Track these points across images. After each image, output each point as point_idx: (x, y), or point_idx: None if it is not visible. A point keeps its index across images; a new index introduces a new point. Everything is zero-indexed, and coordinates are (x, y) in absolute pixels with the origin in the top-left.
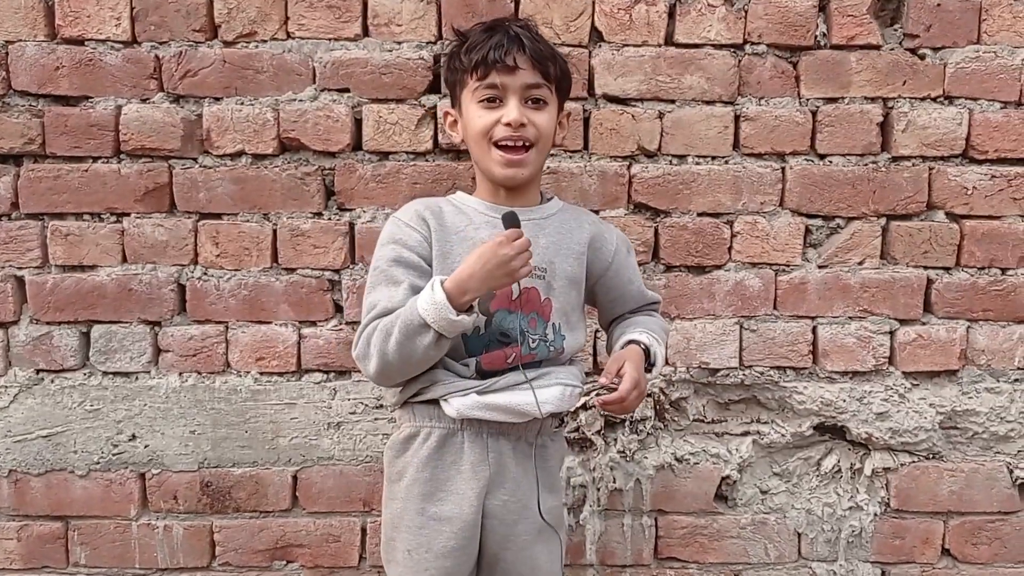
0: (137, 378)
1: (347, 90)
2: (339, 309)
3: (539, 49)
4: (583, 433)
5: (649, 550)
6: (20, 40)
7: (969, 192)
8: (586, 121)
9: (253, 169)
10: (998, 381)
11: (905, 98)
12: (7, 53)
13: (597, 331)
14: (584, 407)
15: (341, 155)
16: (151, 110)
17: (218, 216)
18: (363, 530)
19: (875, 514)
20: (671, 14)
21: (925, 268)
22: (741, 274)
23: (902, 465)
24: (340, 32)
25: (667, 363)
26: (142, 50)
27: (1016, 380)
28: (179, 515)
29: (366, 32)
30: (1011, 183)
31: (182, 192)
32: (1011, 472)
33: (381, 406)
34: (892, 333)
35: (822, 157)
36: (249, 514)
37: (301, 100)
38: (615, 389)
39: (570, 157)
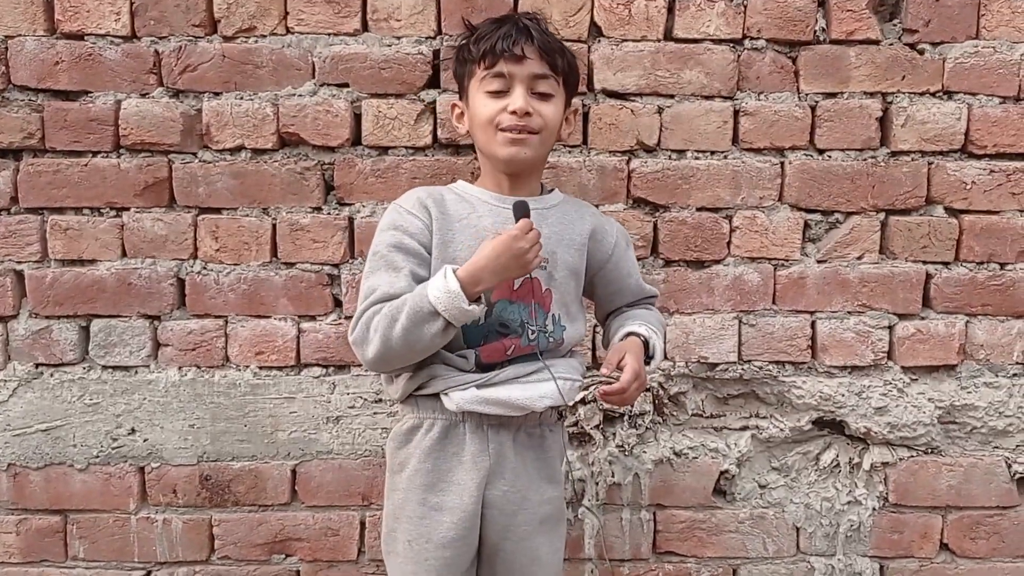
0: (136, 372)
1: (346, 85)
2: (338, 303)
3: (547, 41)
4: (582, 427)
5: (648, 544)
6: (20, 35)
7: (968, 187)
8: (585, 116)
9: (252, 164)
10: (997, 376)
11: (904, 93)
12: (7, 48)
13: (596, 326)
14: (583, 401)
15: (340, 150)
16: (151, 105)
17: (217, 211)
18: (362, 524)
19: (873, 508)
20: (670, 9)
21: (924, 263)
22: (740, 269)
23: (900, 460)
24: (339, 27)
25: (666, 357)
26: (142, 45)
27: (1015, 375)
28: (178, 509)
29: (365, 27)
30: (1010, 178)
31: (182, 187)
32: (1009, 467)
33: (380, 400)
34: (891, 328)
35: (821, 152)
36: (248, 508)
37: (300, 95)
38: (616, 380)
39: (569, 152)
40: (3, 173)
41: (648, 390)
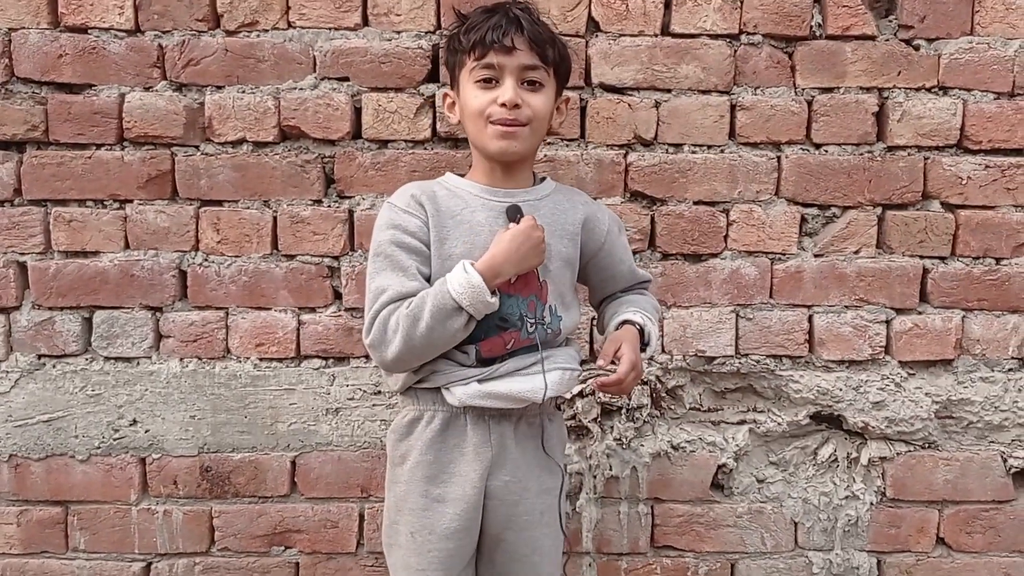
0: (138, 363)
1: (347, 79)
2: (338, 295)
3: (538, 32)
4: (580, 421)
5: (645, 538)
6: (23, 28)
7: (964, 182)
8: (583, 110)
9: (254, 156)
10: (992, 371)
11: (900, 88)
12: (10, 41)
13: (594, 318)
14: (581, 394)
15: (341, 143)
16: (154, 98)
17: (219, 203)
18: (361, 516)
19: (871, 503)
20: (667, 4)
21: (921, 257)
22: (737, 262)
23: (898, 454)
24: (340, 21)
25: (663, 350)
26: (145, 39)
27: (1010, 370)
28: (179, 500)
29: (366, 21)
30: (1004, 173)
31: (184, 179)
32: (1005, 461)
33: (379, 392)
34: (888, 322)
35: (818, 146)
36: (248, 499)
37: (301, 88)
38: (613, 371)
39: (567, 145)
40: (7, 165)
41: (646, 383)
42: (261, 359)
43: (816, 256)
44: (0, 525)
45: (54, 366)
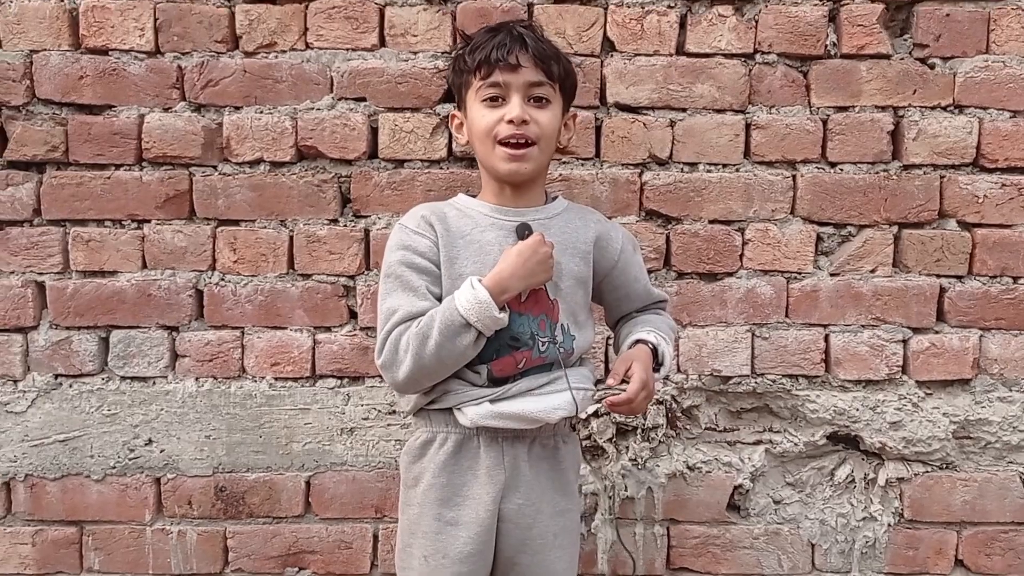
0: (154, 383)
1: (364, 99)
2: (354, 315)
3: (542, 48)
4: (595, 440)
5: (661, 560)
6: (45, 49)
7: (980, 201)
8: (598, 129)
9: (271, 176)
10: (1011, 390)
11: (916, 107)
12: (32, 62)
13: (609, 337)
14: (596, 414)
15: (357, 163)
16: (173, 119)
17: (236, 222)
18: (375, 537)
19: (889, 524)
20: (682, 24)
21: (938, 276)
22: (753, 281)
23: (915, 475)
24: (357, 42)
25: (678, 369)
26: (165, 60)
27: None
28: (193, 520)
29: (383, 42)
30: (1021, 191)
31: (201, 199)
32: None
33: (394, 412)
34: (905, 341)
35: (833, 165)
36: (262, 520)
37: (319, 109)
38: (623, 391)
39: (582, 164)
40: (27, 185)
41: (661, 403)
42: (276, 378)
43: (832, 275)
44: (15, 545)
45: (71, 385)
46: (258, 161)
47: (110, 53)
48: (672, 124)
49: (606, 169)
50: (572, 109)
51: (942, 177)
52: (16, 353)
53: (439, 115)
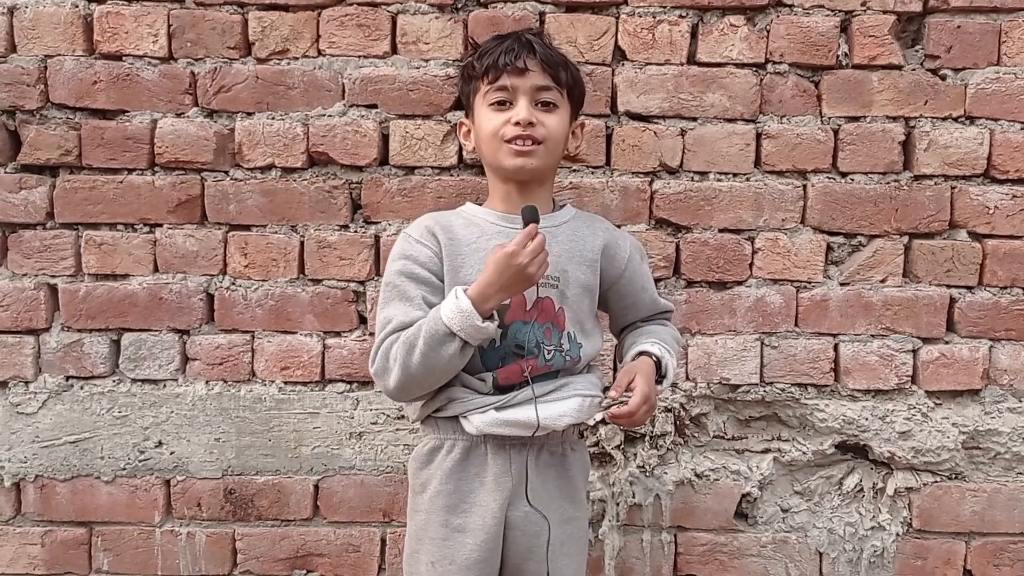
0: (165, 385)
1: (375, 106)
2: (363, 320)
3: (550, 54)
4: (603, 447)
5: (668, 567)
6: (59, 54)
7: (991, 211)
8: (608, 138)
9: (282, 182)
10: (1020, 401)
11: (927, 117)
12: (46, 67)
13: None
14: (603, 421)
15: (368, 169)
16: (185, 124)
17: (247, 228)
18: (383, 541)
19: (897, 534)
20: (693, 34)
21: (948, 287)
22: (762, 290)
23: (924, 485)
24: (369, 50)
25: (687, 377)
26: (178, 66)
27: None
28: (202, 522)
29: (394, 50)
30: None
31: (213, 204)
32: None
33: (402, 417)
34: (915, 351)
35: (844, 175)
36: (271, 522)
37: (330, 115)
38: (625, 402)
39: (592, 173)
40: (40, 189)
41: (669, 411)
42: (286, 383)
43: (842, 285)
44: (25, 545)
45: (82, 387)
46: (269, 167)
47: (124, 59)
48: (683, 133)
49: (616, 177)
50: (580, 117)
51: (953, 188)
52: (28, 355)
53: (450, 122)
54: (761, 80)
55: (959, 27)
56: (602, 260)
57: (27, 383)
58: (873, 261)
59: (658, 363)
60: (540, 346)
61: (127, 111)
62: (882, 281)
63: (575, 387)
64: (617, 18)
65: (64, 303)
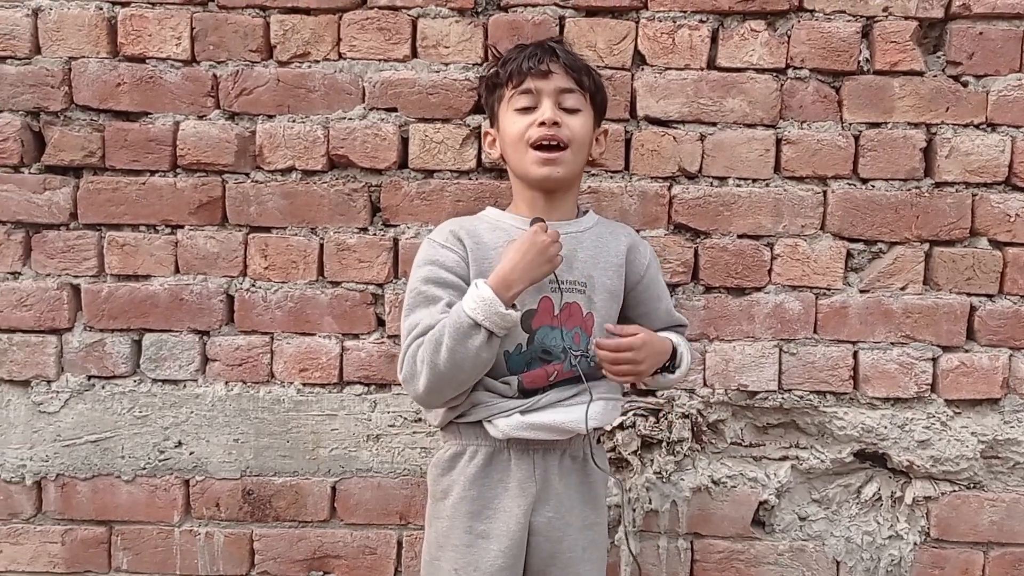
0: (185, 386)
1: (395, 109)
2: (381, 322)
3: (573, 59)
4: (619, 453)
5: (685, 574)
6: (83, 57)
7: (1012, 219)
8: (627, 142)
9: (302, 184)
10: None
11: (948, 124)
12: (70, 69)
13: None
14: (621, 426)
15: (387, 172)
16: (207, 126)
17: (267, 229)
18: (399, 543)
19: (915, 543)
20: (713, 38)
21: (968, 295)
22: (781, 297)
23: (943, 494)
24: (390, 53)
25: (704, 383)
26: (200, 69)
27: None
28: (220, 522)
29: (415, 54)
30: None
31: (234, 206)
32: None
33: (420, 420)
34: (935, 360)
35: (864, 181)
36: (288, 523)
37: (350, 118)
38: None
39: (611, 177)
40: (64, 190)
41: (687, 417)
42: (304, 384)
43: (862, 292)
44: (45, 544)
45: (103, 387)
46: (290, 169)
47: (147, 61)
48: (702, 138)
49: (635, 182)
50: (603, 124)
51: (974, 195)
52: (51, 354)
53: (469, 126)
54: (781, 85)
55: (981, 33)
56: (626, 264)
57: (49, 382)
58: (893, 268)
59: (673, 352)
60: (567, 351)
61: (150, 113)
62: (902, 288)
63: (599, 391)
64: (637, 23)
65: (86, 303)
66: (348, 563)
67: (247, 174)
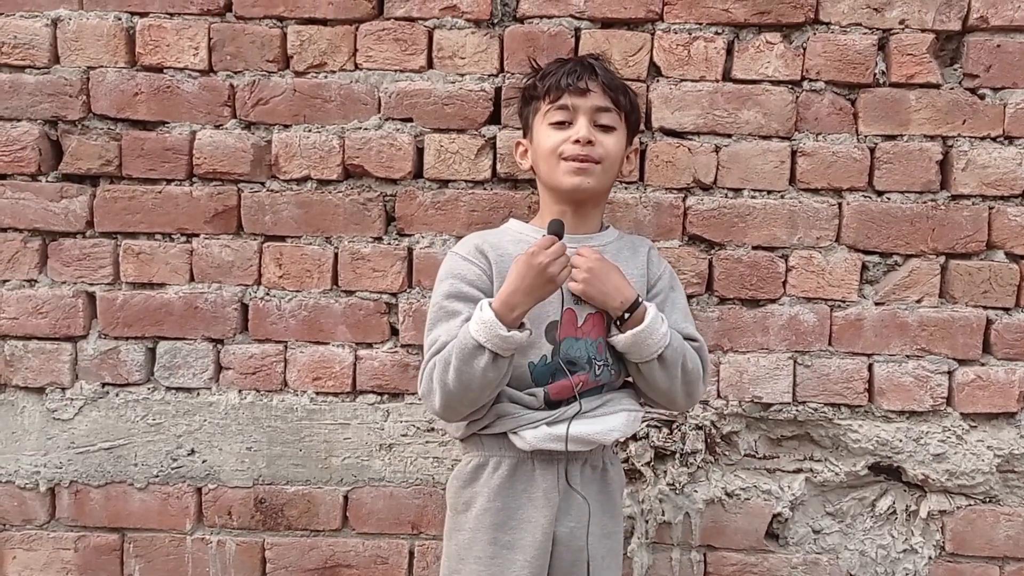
0: (198, 394)
1: (410, 119)
2: (395, 332)
3: (611, 78)
4: (633, 464)
5: None
6: (101, 66)
7: None
8: (643, 153)
9: (318, 194)
10: None
11: (965, 137)
12: (88, 78)
13: None
14: (635, 437)
15: (403, 182)
16: (224, 136)
17: (282, 238)
18: (411, 553)
19: (930, 557)
20: (729, 50)
21: (985, 308)
22: (796, 308)
23: (958, 508)
24: (406, 64)
25: (718, 395)
26: (218, 79)
27: None
28: (232, 531)
29: (431, 64)
30: None
31: (249, 214)
32: None
33: (432, 429)
34: (950, 373)
35: (880, 194)
36: (300, 532)
37: (366, 128)
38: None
39: (625, 188)
40: (80, 198)
41: (700, 428)
42: (317, 393)
43: (877, 304)
44: (58, 550)
45: (117, 395)
46: (305, 179)
47: (165, 71)
48: (717, 149)
49: (650, 193)
50: (635, 142)
51: (990, 208)
52: (65, 361)
53: (484, 136)
54: (797, 97)
55: (999, 46)
56: (646, 275)
57: (64, 389)
58: (909, 281)
59: (637, 303)
60: (592, 362)
61: (167, 122)
62: (918, 301)
63: (621, 403)
64: (653, 34)
65: (102, 311)
66: (360, 572)
67: (262, 183)
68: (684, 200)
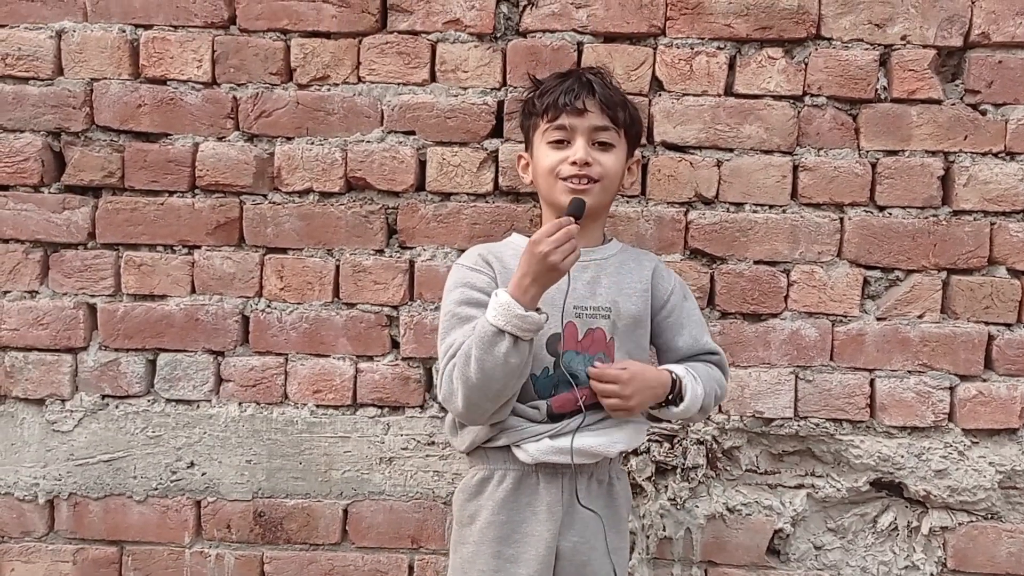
0: (198, 406)
1: (413, 133)
2: (396, 344)
3: (609, 95)
4: (634, 479)
5: None
6: (105, 78)
7: None
8: (644, 167)
9: (320, 206)
10: None
11: (966, 152)
12: (92, 90)
13: None
14: (636, 452)
15: (405, 195)
16: (226, 148)
17: (284, 251)
18: (411, 567)
19: (931, 574)
20: (731, 65)
21: (986, 324)
22: (797, 323)
23: (960, 524)
24: (408, 77)
25: (719, 410)
26: (221, 91)
27: None
28: (231, 544)
29: (433, 78)
30: None
31: (251, 226)
32: None
33: (433, 443)
34: (952, 389)
35: (881, 209)
36: (299, 546)
37: (369, 141)
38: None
39: (627, 202)
40: (83, 209)
41: (701, 443)
42: (318, 406)
43: (879, 319)
44: (57, 563)
45: (117, 407)
46: (307, 191)
47: (168, 83)
48: (719, 164)
49: (652, 207)
50: (636, 154)
51: (992, 224)
52: (66, 373)
53: (487, 150)
54: (799, 112)
55: (1000, 62)
56: (650, 290)
57: (63, 401)
58: (910, 296)
59: (676, 383)
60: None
61: (170, 134)
62: (919, 317)
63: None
64: (655, 49)
65: (102, 323)
66: None
67: (265, 195)
68: (686, 214)
